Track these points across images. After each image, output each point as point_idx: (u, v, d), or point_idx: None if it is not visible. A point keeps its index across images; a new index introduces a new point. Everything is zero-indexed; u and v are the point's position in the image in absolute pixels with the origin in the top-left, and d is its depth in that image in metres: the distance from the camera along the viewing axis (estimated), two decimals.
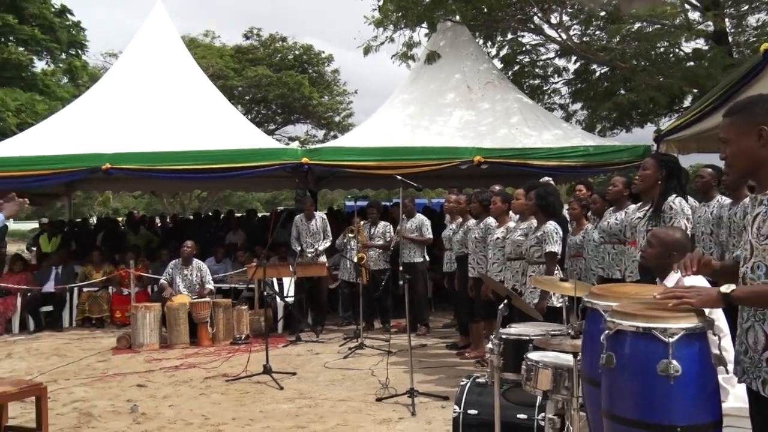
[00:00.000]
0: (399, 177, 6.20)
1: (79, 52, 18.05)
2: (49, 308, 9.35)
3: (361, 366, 6.65)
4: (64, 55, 17.44)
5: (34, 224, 26.72)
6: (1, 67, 15.17)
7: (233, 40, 35.81)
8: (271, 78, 24.53)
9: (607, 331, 2.35)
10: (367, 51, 11.95)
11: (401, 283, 5.78)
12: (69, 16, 17.42)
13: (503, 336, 3.58)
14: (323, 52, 27.63)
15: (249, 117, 21.11)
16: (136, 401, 5.44)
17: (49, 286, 9.40)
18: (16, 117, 13.25)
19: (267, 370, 6.13)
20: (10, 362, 7.26)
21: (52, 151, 9.18)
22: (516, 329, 3.77)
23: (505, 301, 3.77)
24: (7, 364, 7.14)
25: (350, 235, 8.77)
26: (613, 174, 7.97)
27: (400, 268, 6.22)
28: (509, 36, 13.76)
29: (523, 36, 13.99)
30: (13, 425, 4.69)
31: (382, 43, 11.98)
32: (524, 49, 14.39)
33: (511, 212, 6.29)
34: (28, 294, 9.29)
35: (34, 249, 13.26)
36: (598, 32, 13.37)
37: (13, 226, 27.84)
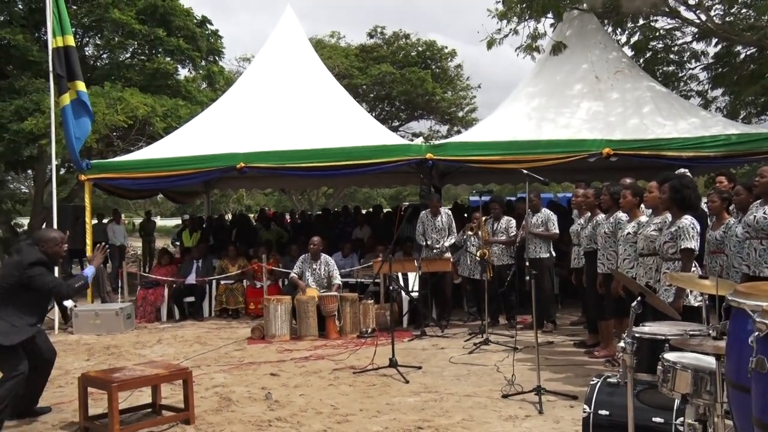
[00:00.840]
0: (525, 171, 6.10)
1: (216, 58, 19.19)
2: (191, 299, 10.05)
3: (487, 362, 6.59)
4: (203, 62, 18.59)
5: (177, 221, 28.82)
6: (152, 76, 16.50)
7: (358, 39, 36.54)
8: (395, 75, 24.82)
9: (756, 333, 2.19)
10: (490, 44, 11.77)
11: (527, 278, 5.68)
12: (208, 26, 18.57)
13: (637, 335, 3.42)
14: (446, 47, 27.62)
15: (373, 114, 21.49)
16: (270, 389, 5.71)
17: (191, 279, 10.11)
18: (163, 122, 14.30)
19: (393, 364, 6.22)
20: (160, 347, 7.88)
21: (193, 152, 9.85)
22: (650, 328, 3.59)
23: (639, 298, 3.60)
24: (158, 349, 7.77)
25: (470, 232, 8.71)
26: (760, 164, 7.35)
27: (527, 264, 6.11)
28: (641, 21, 13.07)
29: (656, 20, 13.26)
30: (165, 404, 5.12)
31: (506, 36, 11.77)
32: (657, 34, 13.62)
33: (642, 206, 6.01)
34: (174, 285, 10.04)
35: (178, 243, 14.31)
36: (744, 10, 12.38)
37: (159, 222, 30.18)
